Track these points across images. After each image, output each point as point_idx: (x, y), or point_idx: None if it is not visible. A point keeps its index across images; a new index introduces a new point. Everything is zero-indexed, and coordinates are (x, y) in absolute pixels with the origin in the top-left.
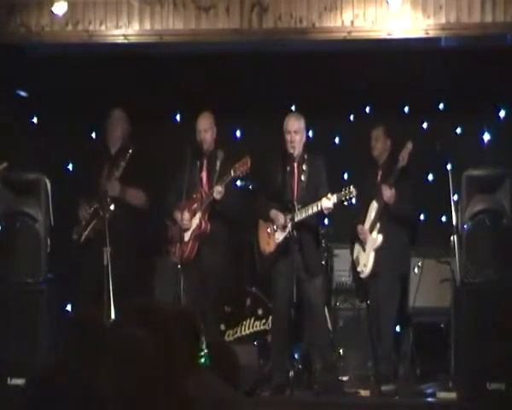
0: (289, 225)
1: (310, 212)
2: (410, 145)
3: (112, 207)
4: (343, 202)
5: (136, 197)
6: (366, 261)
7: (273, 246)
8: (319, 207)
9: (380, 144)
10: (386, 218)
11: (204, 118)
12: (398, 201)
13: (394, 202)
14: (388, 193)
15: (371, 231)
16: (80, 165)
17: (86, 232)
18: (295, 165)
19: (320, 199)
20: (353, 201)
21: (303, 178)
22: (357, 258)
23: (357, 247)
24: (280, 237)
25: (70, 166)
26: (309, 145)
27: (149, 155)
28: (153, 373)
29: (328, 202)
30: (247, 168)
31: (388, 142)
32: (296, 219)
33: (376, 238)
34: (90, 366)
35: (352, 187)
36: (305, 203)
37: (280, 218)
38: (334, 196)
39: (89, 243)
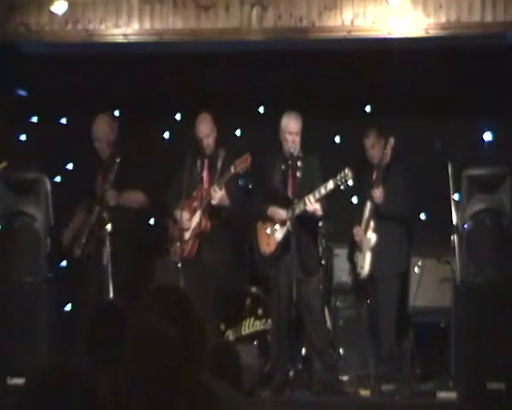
0: (289, 221)
1: (307, 201)
2: (391, 141)
3: (109, 226)
4: (339, 186)
5: (134, 200)
6: (363, 262)
7: (273, 246)
8: (316, 196)
9: (373, 149)
10: (379, 217)
11: (203, 123)
12: (388, 199)
13: (384, 200)
14: (376, 192)
15: (366, 231)
16: (79, 167)
17: (88, 249)
18: (291, 163)
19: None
20: (350, 183)
21: (298, 174)
22: (356, 259)
23: (355, 248)
24: (280, 235)
25: (70, 166)
26: (304, 144)
27: (146, 156)
28: (174, 365)
29: (310, 205)
30: (248, 165)
31: (382, 145)
32: (295, 214)
33: (370, 238)
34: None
35: (347, 169)
36: (301, 198)
37: (279, 213)
38: (331, 181)
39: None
